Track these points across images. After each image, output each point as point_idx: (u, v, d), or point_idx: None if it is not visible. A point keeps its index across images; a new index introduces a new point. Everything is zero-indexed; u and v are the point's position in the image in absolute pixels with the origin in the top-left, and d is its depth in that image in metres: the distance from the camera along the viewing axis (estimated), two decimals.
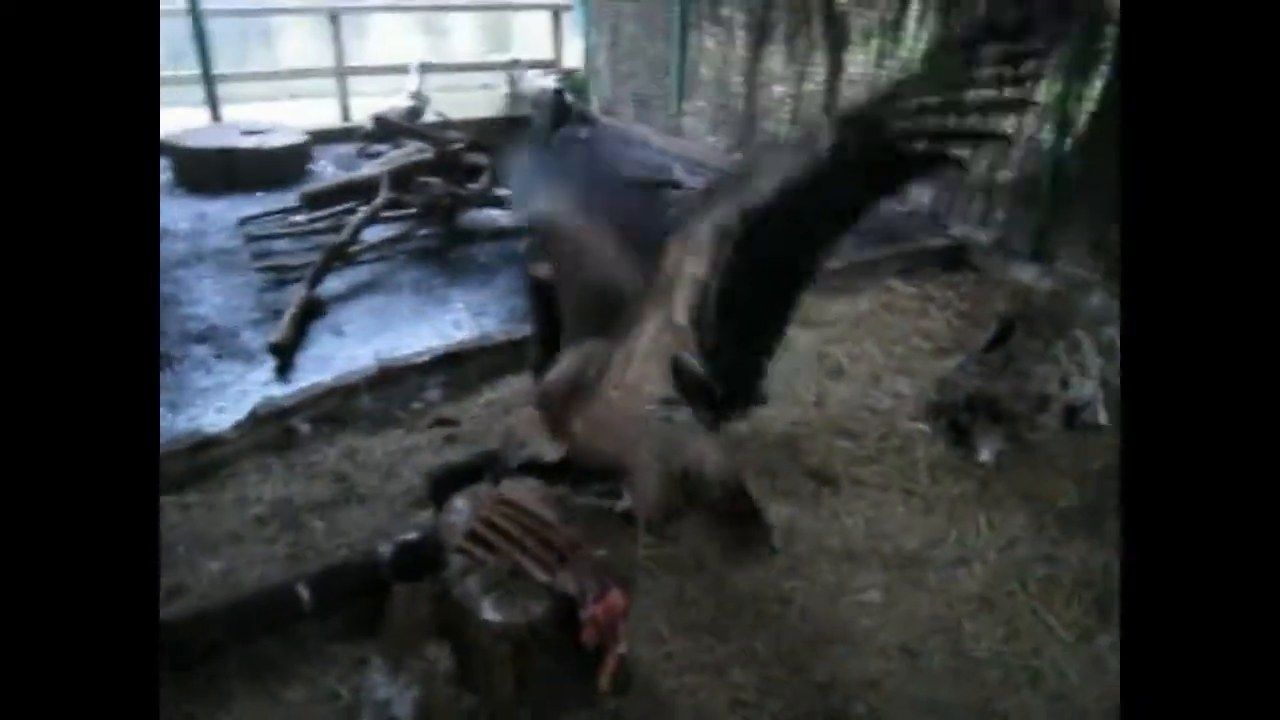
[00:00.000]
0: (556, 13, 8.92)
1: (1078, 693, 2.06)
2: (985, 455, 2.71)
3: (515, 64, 7.47)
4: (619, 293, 2.15)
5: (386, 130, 6.14)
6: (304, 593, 2.07)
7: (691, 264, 1.88)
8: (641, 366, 1.99)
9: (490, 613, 1.74)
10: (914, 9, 4.93)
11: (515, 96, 7.31)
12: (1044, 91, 4.34)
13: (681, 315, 1.94)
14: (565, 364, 2.08)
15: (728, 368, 2.03)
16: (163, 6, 8.06)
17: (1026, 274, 4.46)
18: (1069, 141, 4.30)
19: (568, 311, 2.29)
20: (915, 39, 4.97)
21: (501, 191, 4.95)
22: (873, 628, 2.22)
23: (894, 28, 5.09)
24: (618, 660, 1.79)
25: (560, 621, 1.75)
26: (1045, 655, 2.15)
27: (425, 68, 7.23)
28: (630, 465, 2.06)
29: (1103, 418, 2.87)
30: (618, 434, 2.04)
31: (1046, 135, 4.39)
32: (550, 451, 2.06)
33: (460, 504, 2.06)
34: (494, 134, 4.79)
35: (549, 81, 7.73)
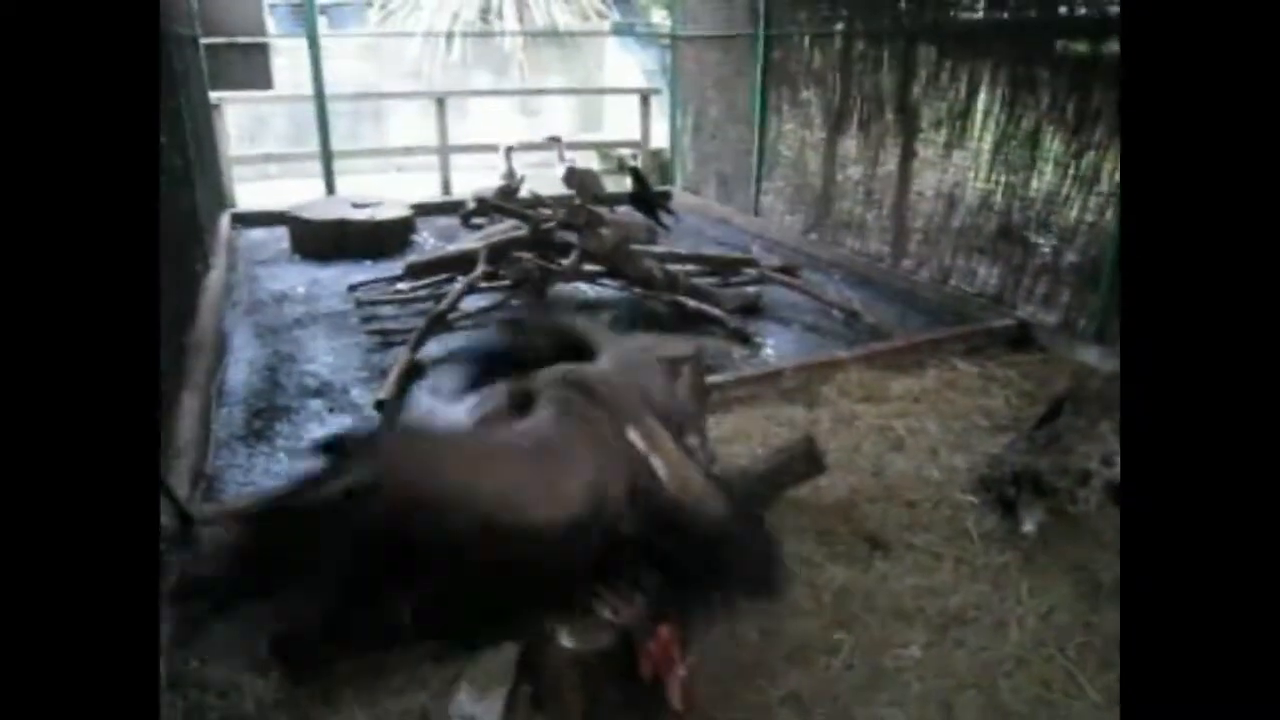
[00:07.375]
0: (645, 96, 9.47)
1: None
2: (1028, 526, 2.88)
3: (555, 140, 7.77)
4: None
5: (485, 208, 6.66)
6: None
7: None
8: None
9: (566, 640, 2.01)
10: (981, 101, 5.20)
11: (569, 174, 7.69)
12: (1109, 177, 4.54)
13: None
14: None
15: None
16: (290, 91, 8.96)
17: (1090, 355, 4.59)
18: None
19: None
20: (982, 128, 5.23)
21: (589, 267, 5.35)
22: (912, 681, 2.41)
23: (962, 117, 5.36)
24: (682, 683, 2.04)
25: (625, 652, 2.01)
26: (1074, 711, 2.30)
27: (509, 150, 7.77)
28: None
29: None
30: None
31: (1110, 219, 4.56)
32: None
33: None
34: (581, 213, 5.20)
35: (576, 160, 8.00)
